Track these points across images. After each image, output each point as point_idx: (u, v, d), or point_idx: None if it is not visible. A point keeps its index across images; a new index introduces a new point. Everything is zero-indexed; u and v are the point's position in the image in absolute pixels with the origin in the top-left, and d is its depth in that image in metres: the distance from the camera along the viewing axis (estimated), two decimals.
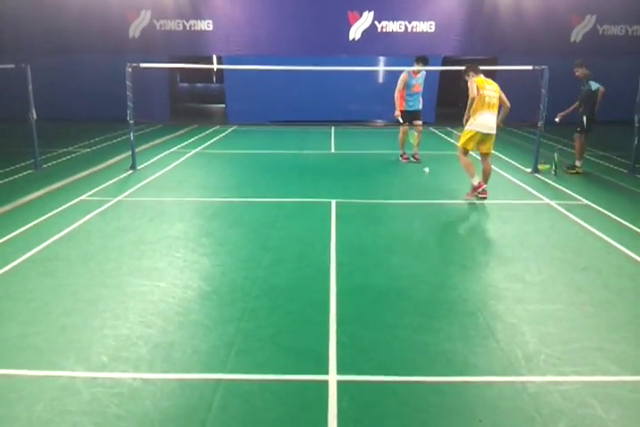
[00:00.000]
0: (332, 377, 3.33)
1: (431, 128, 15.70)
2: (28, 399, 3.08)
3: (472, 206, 7.38)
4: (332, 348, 3.67)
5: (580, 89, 9.43)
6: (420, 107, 10.52)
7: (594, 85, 9.28)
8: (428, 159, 10.55)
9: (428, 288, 4.70)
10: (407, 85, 10.24)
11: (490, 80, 7.55)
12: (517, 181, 8.89)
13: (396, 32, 17.14)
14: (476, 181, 7.44)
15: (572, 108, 9.55)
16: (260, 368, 3.43)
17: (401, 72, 10.44)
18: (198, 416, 2.96)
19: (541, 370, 3.42)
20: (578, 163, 9.52)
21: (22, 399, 3.08)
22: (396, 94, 10.31)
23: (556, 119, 9.46)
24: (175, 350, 3.64)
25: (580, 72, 9.40)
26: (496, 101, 7.40)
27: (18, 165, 9.73)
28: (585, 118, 9.39)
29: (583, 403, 3.08)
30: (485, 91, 7.32)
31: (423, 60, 10.24)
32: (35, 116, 9.49)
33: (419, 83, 10.30)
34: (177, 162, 10.50)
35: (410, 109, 10.39)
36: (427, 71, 10.58)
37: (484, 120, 7.30)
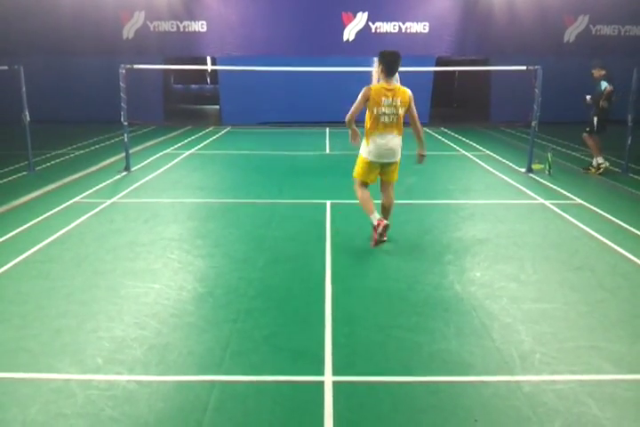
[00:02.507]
0: (328, 378, 3.33)
1: (426, 129, 15.69)
2: (23, 402, 3.07)
3: (466, 207, 7.39)
4: (327, 349, 3.66)
5: (595, 89, 9.33)
6: None
7: (602, 85, 9.21)
8: None
9: (424, 288, 4.70)
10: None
11: (393, 87, 5.39)
12: (511, 181, 8.91)
13: (390, 33, 17.19)
14: (374, 219, 5.57)
15: (604, 96, 9.20)
16: (256, 369, 3.42)
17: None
18: (193, 418, 2.95)
19: (536, 369, 3.42)
20: (596, 161, 9.43)
21: (16, 402, 3.07)
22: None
23: (588, 97, 9.30)
24: (170, 351, 3.62)
25: (597, 73, 9.30)
26: (396, 121, 5.41)
27: (11, 167, 9.69)
28: (595, 119, 9.33)
29: (578, 402, 3.09)
30: (380, 108, 5.34)
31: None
32: (28, 117, 9.46)
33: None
34: (171, 163, 10.48)
35: None
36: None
37: (376, 146, 5.48)
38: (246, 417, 2.97)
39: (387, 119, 5.38)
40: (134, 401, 3.09)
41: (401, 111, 5.40)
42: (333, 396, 3.14)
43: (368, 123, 5.47)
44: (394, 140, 5.48)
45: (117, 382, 3.28)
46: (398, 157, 5.61)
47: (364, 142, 5.58)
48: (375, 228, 5.55)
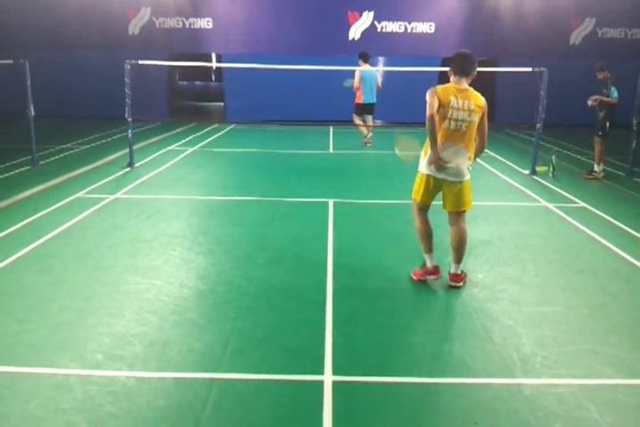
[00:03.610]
0: (328, 378, 3.32)
1: None
2: (22, 397, 3.07)
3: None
4: (327, 348, 3.66)
5: (602, 92, 9.25)
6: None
7: (613, 93, 9.08)
8: None
9: (425, 289, 4.69)
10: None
11: (467, 90, 4.49)
12: (515, 183, 8.89)
13: (396, 32, 17.13)
14: (428, 261, 4.76)
15: (607, 100, 9.09)
16: (256, 368, 3.42)
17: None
18: (192, 415, 2.94)
19: (537, 372, 3.41)
20: (597, 168, 9.37)
21: (16, 396, 3.07)
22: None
23: (589, 102, 9.24)
24: (170, 348, 3.62)
25: (602, 75, 9.24)
26: (466, 128, 4.43)
27: (15, 162, 9.69)
28: (607, 124, 9.24)
29: (579, 406, 3.08)
30: (450, 110, 4.39)
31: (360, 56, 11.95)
32: (32, 112, 9.46)
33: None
34: (174, 160, 10.48)
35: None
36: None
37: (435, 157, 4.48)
38: (245, 416, 2.97)
39: (454, 125, 4.40)
40: (133, 397, 3.09)
41: (474, 118, 4.40)
42: (333, 395, 3.14)
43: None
44: (459, 153, 4.47)
45: (117, 377, 3.28)
46: (465, 178, 4.57)
47: (422, 154, 4.65)
48: (427, 271, 4.74)
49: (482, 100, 4.47)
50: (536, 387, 3.26)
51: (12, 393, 3.11)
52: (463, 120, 4.39)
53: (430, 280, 4.75)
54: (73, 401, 3.04)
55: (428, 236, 4.73)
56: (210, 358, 3.53)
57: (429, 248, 4.74)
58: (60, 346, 3.63)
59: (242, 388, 3.22)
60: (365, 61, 12.03)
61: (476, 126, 4.47)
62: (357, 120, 12.66)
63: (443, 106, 4.38)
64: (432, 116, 4.35)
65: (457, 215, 4.75)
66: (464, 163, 4.53)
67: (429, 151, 4.49)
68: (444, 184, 4.60)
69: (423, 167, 4.61)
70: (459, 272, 4.72)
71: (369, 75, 12.12)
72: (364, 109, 12.47)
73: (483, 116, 4.48)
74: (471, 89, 4.51)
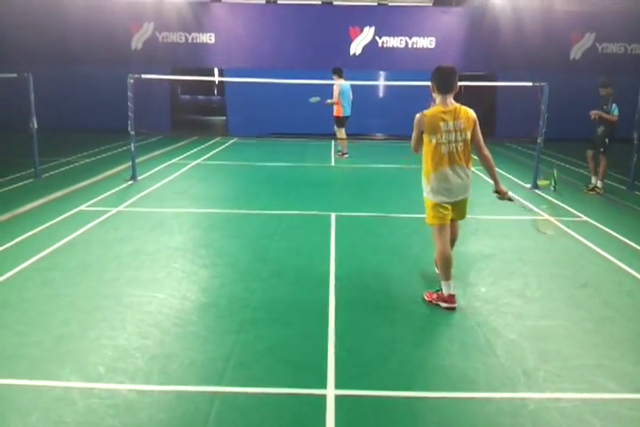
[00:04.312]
0: (330, 391, 3.30)
1: None
2: (23, 409, 3.05)
3: (471, 222, 7.36)
4: (330, 361, 3.65)
5: (602, 108, 9.18)
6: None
7: (614, 110, 9.10)
8: None
9: (427, 303, 4.68)
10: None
11: (454, 107, 4.43)
12: (517, 197, 8.89)
13: (397, 47, 17.28)
14: (445, 289, 4.55)
15: (607, 117, 9.09)
16: (258, 382, 3.40)
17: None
18: None
19: (540, 387, 3.40)
20: (599, 184, 9.37)
21: (17, 409, 3.06)
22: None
23: (591, 115, 9.17)
24: (172, 361, 3.61)
25: (605, 92, 9.24)
26: (461, 148, 4.44)
27: (18, 174, 9.73)
28: (607, 140, 9.24)
29: (582, 420, 3.06)
30: (440, 135, 4.40)
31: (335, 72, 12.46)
32: (35, 125, 9.52)
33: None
34: (177, 173, 10.51)
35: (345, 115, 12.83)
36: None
37: (443, 183, 4.49)
38: None
39: (447, 149, 4.41)
40: (135, 411, 3.07)
41: (467, 135, 4.42)
42: (335, 409, 3.12)
43: (427, 156, 4.50)
44: (462, 173, 4.49)
45: (119, 391, 3.26)
46: (469, 192, 4.63)
47: (423, 181, 4.59)
48: (441, 297, 4.57)
49: (471, 114, 4.45)
50: (540, 401, 3.24)
51: (13, 406, 3.09)
52: (456, 141, 4.40)
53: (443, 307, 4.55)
54: (74, 414, 3.02)
55: (448, 261, 4.54)
56: (212, 371, 3.52)
57: (449, 275, 4.54)
58: (62, 359, 3.62)
59: (244, 401, 3.21)
60: (340, 76, 12.49)
61: (469, 141, 4.48)
62: (343, 133, 13.12)
63: (434, 133, 4.39)
64: (415, 151, 4.63)
65: (456, 223, 4.89)
66: (468, 179, 4.55)
67: (432, 180, 4.49)
68: (456, 204, 4.60)
69: (430, 195, 4.55)
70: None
71: (346, 89, 12.71)
72: (345, 122, 12.98)
73: (475, 127, 4.48)
74: (458, 105, 4.46)
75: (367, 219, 7.43)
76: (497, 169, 4.75)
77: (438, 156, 4.43)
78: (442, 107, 4.43)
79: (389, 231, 6.90)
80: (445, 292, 4.56)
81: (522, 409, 3.16)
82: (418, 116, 4.46)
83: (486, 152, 4.61)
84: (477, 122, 4.50)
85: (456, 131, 4.38)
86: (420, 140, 4.54)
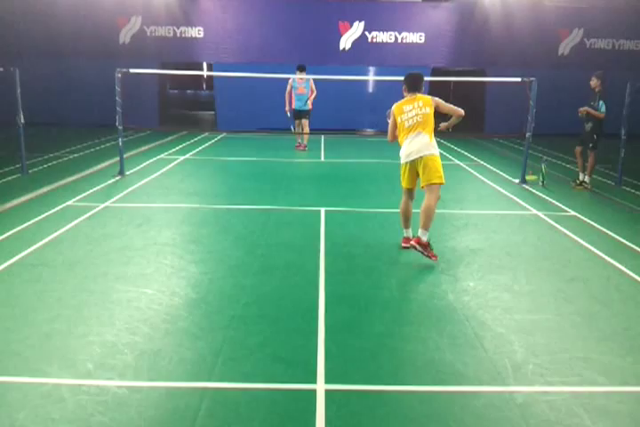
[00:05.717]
0: (320, 386, 3.31)
1: None
2: (11, 407, 3.03)
3: (460, 217, 7.40)
4: (320, 357, 3.65)
5: (590, 104, 9.20)
6: (307, 107, 13.32)
7: (602, 106, 9.11)
8: None
9: (417, 297, 4.70)
10: (293, 88, 13.12)
11: (414, 96, 5.67)
12: (505, 192, 8.94)
13: (387, 43, 17.29)
14: (405, 233, 6.01)
15: (594, 113, 9.10)
16: (248, 377, 3.40)
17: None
18: (184, 425, 2.92)
19: (529, 380, 3.42)
20: (587, 179, 9.42)
21: (5, 407, 3.03)
22: (286, 95, 13.28)
23: (580, 110, 9.24)
24: (161, 357, 3.60)
25: (593, 83, 9.18)
26: (420, 119, 5.54)
27: (4, 170, 9.64)
28: (596, 136, 9.27)
29: (571, 413, 3.08)
30: (404, 115, 5.65)
31: (301, 69, 12.78)
32: (23, 120, 9.42)
33: (302, 86, 13.06)
34: (165, 168, 10.45)
35: (297, 109, 13.31)
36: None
37: (405, 148, 5.66)
38: (237, 425, 2.95)
39: (409, 123, 5.61)
40: (124, 407, 3.06)
41: (426, 110, 5.57)
42: (325, 404, 3.12)
43: (400, 132, 5.75)
44: (418, 137, 5.54)
45: (108, 387, 3.25)
46: (427, 152, 5.49)
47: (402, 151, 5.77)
48: (403, 241, 5.96)
49: (428, 97, 5.67)
50: (528, 395, 3.26)
51: (1, 403, 3.07)
52: (416, 115, 5.59)
53: (404, 247, 5.82)
54: (63, 411, 3.00)
55: (405, 215, 5.93)
56: (202, 367, 3.51)
57: (405, 225, 5.98)
58: (50, 355, 3.59)
59: (234, 397, 3.20)
60: (303, 71, 12.90)
61: (431, 115, 5.60)
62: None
63: (400, 114, 5.69)
64: (390, 142, 5.98)
65: (430, 189, 5.55)
66: (424, 142, 5.54)
67: (402, 148, 5.72)
68: (417, 164, 5.58)
69: (401, 160, 5.75)
70: (424, 239, 5.44)
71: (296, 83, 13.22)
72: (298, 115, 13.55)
73: (438, 104, 5.68)
74: (419, 94, 5.72)
75: (357, 214, 7.44)
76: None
77: (403, 129, 5.67)
78: (407, 98, 5.75)
79: (379, 227, 6.90)
80: (405, 235, 5.96)
81: (510, 402, 3.18)
82: (390, 109, 5.83)
83: (458, 112, 5.79)
84: (438, 99, 5.74)
85: (415, 108, 5.61)
86: (394, 128, 5.81)
